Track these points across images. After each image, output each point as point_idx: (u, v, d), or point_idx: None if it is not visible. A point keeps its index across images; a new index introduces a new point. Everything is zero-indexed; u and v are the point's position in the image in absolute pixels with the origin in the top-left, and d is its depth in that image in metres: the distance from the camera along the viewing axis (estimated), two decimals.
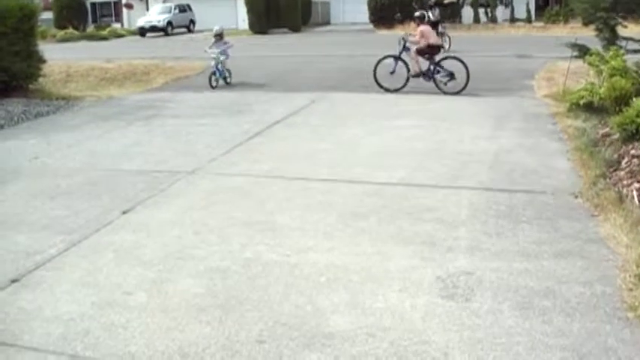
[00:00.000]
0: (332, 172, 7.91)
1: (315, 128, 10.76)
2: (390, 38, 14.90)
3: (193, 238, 6.02)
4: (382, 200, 6.86)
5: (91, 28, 45.47)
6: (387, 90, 14.24)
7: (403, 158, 8.51)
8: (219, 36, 16.55)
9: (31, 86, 15.88)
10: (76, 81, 18.18)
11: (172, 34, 41.87)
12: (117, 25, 47.98)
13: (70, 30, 41.39)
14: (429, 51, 14.15)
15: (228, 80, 16.36)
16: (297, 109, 12.34)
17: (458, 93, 13.71)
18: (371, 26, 38.96)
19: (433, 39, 14.35)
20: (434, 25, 23.49)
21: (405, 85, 14.21)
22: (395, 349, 4.09)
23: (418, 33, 14.32)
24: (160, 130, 11.14)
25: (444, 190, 7.16)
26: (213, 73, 15.86)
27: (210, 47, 16.20)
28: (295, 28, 39.66)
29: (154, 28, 41.85)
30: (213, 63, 15.97)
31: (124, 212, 6.74)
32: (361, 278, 5.07)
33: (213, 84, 15.72)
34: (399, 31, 32.95)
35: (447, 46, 22.85)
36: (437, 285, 4.92)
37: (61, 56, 21.09)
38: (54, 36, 38.54)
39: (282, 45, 29.24)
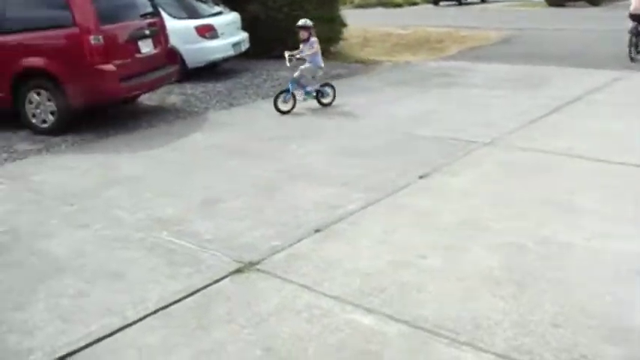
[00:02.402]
0: (637, 157, 7.39)
1: (617, 108, 10.11)
2: None
3: (489, 209, 5.94)
4: None
5: None
6: None
7: None
8: (304, 30, 10.46)
9: (331, 49, 16.54)
10: (372, 46, 18.66)
11: (465, 4, 41.52)
12: None
13: None
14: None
15: (325, 100, 10.66)
16: (597, 86, 11.68)
17: None
18: None
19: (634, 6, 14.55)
20: None
21: None
22: None
23: None
24: (454, 98, 11.10)
25: None
26: (286, 91, 10.30)
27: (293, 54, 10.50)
28: (595, 2, 37.63)
29: None
30: (296, 74, 10.44)
31: (421, 177, 6.81)
32: None
33: (282, 107, 10.19)
34: None
35: None
36: None
37: (357, 21, 21.72)
38: (352, 2, 39.87)
39: (579, 18, 27.89)
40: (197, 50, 13.00)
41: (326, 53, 16.01)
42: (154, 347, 4.01)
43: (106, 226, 5.94)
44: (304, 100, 10.42)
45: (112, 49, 9.42)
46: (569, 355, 3.77)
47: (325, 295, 4.49)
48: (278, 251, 5.19)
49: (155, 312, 4.41)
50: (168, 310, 4.43)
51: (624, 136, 8.28)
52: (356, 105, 10.63)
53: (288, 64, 10.46)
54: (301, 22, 10.58)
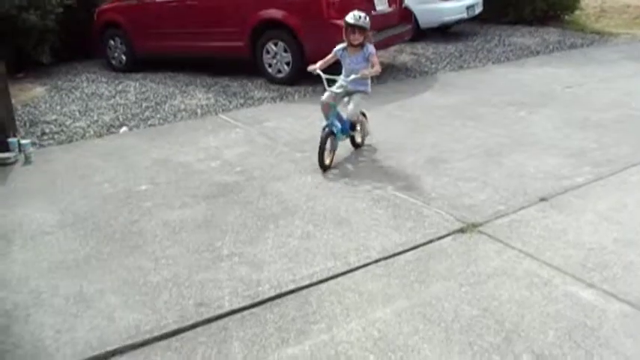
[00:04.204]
0: None
1: None
2: None
3: None
4: None
5: None
6: None
7: None
8: (359, 32, 6.47)
9: (566, 17, 16.00)
10: (609, 17, 17.74)
11: None
12: None
13: None
14: None
15: (358, 140, 7.06)
16: None
17: None
18: None
19: None
20: None
21: None
22: None
23: None
24: None
25: None
26: (330, 132, 6.48)
27: (325, 64, 6.73)
28: None
29: None
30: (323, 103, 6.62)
31: None
32: None
33: (327, 162, 6.45)
34: None
35: None
36: None
37: None
38: None
39: None
40: (431, 11, 13.01)
41: (560, 22, 15.58)
42: (373, 294, 4.19)
43: (335, 175, 6.21)
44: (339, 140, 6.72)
45: (347, 4, 9.62)
46: None
47: (546, 264, 4.46)
48: (502, 215, 5.20)
49: (377, 261, 4.59)
50: (389, 260, 4.60)
51: None
52: (590, 76, 10.24)
53: (329, 89, 6.54)
54: (355, 17, 6.41)
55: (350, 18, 6.40)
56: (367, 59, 6.45)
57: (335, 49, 6.61)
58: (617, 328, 3.76)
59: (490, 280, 4.29)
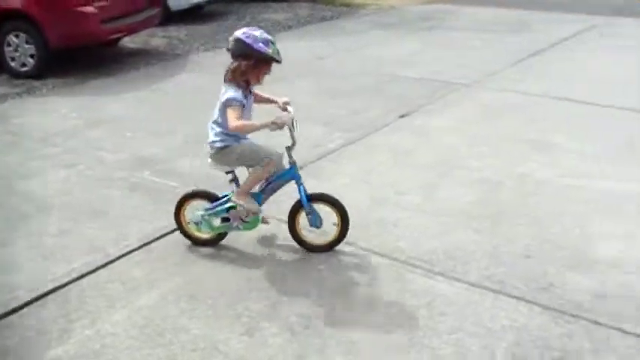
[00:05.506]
0: (621, 101, 7.42)
1: (594, 54, 10.07)
2: None
3: (466, 148, 6.05)
4: None
5: None
6: None
7: None
8: (270, 67, 4.52)
9: None
10: None
11: None
12: None
13: None
14: None
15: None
16: (580, 30, 11.67)
17: None
18: None
19: None
20: None
21: None
22: None
23: None
24: (438, 41, 11.09)
25: None
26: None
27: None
28: None
29: None
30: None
31: (401, 116, 6.89)
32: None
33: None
34: None
35: None
36: None
37: None
38: None
39: None
40: None
41: None
42: (137, 281, 4.11)
43: (88, 167, 5.98)
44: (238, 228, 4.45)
45: None
46: (538, 284, 3.92)
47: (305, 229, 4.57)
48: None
49: (138, 248, 4.50)
50: (150, 246, 4.53)
51: (605, 82, 8.32)
52: (341, 47, 10.63)
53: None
54: (275, 49, 4.43)
55: (272, 51, 4.31)
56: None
57: (239, 98, 4.48)
58: (376, 279, 4.00)
59: (253, 251, 4.34)
